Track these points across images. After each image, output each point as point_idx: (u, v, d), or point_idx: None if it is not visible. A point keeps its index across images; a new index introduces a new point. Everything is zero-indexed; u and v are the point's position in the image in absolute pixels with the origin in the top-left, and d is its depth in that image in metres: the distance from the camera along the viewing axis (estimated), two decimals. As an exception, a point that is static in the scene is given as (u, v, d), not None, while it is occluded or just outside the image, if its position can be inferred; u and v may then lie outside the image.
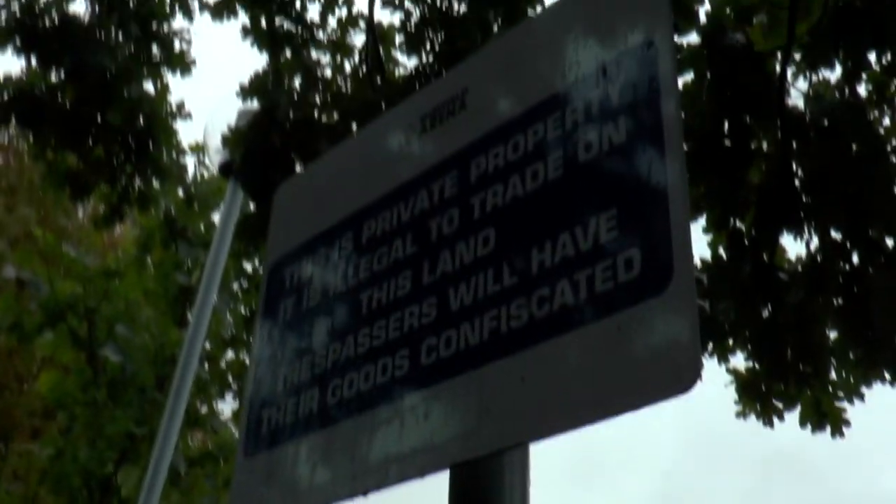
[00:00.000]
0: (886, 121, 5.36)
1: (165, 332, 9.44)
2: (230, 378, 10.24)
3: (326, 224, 2.44)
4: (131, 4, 7.18)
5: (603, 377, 1.60)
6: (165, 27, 7.19)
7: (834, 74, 4.94)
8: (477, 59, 2.29)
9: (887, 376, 4.91)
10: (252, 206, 7.22)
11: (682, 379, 1.49)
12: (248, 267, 10.56)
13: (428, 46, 6.57)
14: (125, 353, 9.21)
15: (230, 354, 10.36)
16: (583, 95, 1.90)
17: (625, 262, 1.67)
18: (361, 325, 2.16)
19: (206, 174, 9.46)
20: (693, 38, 5.00)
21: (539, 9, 8.02)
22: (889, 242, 5.21)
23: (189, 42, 7.26)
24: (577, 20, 2.01)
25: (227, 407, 10.44)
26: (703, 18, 4.91)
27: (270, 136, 6.45)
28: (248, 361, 10.86)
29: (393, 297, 2.12)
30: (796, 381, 5.52)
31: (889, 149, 4.81)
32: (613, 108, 1.83)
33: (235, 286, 10.24)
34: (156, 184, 7.59)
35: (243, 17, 6.70)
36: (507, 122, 2.05)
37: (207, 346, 9.74)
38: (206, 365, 9.59)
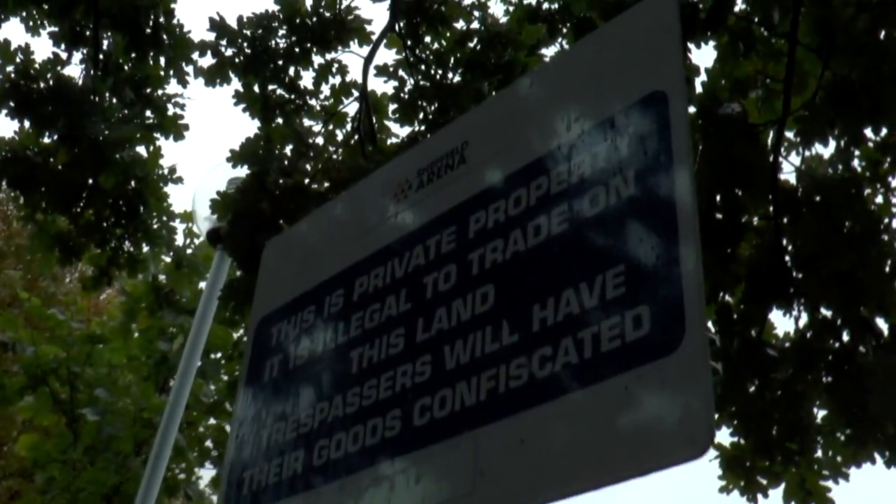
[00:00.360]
0: (879, 198, 5.35)
1: (146, 397, 9.29)
2: (210, 444, 10.04)
3: (316, 281, 2.37)
4: (126, 68, 7.18)
5: (610, 439, 1.52)
6: (159, 91, 7.18)
7: (828, 150, 4.93)
8: (478, 112, 2.25)
9: (878, 458, 4.81)
10: (238, 273, 7.14)
11: (694, 442, 1.41)
12: (233, 335, 10.43)
13: (421, 116, 6.57)
14: (104, 416, 9.05)
15: (210, 420, 10.19)
16: (589, 148, 1.85)
17: (633, 320, 1.59)
18: (351, 384, 2.07)
19: (195, 241, 9.40)
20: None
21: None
22: (879, 321, 5.16)
23: (183, 107, 7.25)
24: (583, 71, 1.97)
25: (206, 473, 10.23)
26: (698, 88, 4.91)
27: (260, 201, 6.38)
28: (228, 428, 10.67)
29: (385, 355, 2.04)
30: (782, 458, 5.43)
31: (882, 227, 4.78)
32: (622, 162, 1.77)
33: (219, 353, 10.11)
34: (145, 248, 7.51)
35: (236, 83, 6.71)
36: (510, 175, 1.99)
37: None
38: (185, 430, 9.40)
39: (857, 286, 4.64)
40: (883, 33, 4.92)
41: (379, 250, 2.22)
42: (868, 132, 4.68)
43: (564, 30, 9.24)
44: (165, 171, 7.39)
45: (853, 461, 4.71)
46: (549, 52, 9.08)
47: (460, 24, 7.44)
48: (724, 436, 5.84)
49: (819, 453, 5.42)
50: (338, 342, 2.18)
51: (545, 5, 9.51)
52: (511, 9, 9.40)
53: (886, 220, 5.29)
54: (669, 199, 1.64)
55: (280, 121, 6.71)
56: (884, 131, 4.62)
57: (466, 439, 1.74)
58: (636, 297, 1.61)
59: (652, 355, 1.53)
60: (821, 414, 5.46)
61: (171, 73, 7.10)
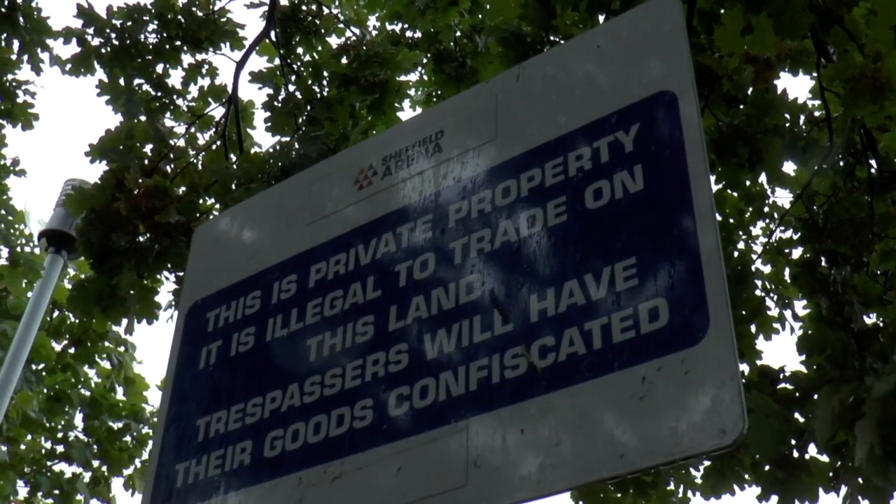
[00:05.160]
0: (741, 244, 5.59)
1: (-37, 405, 8.62)
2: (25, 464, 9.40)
3: (261, 266, 2.24)
4: (-26, 50, 6.74)
5: (629, 428, 1.48)
6: (9, 77, 6.76)
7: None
8: (455, 102, 2.19)
9: (736, 489, 4.99)
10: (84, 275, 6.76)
11: (726, 433, 1.39)
12: (56, 346, 9.86)
13: (293, 125, 6.43)
14: None
15: (28, 437, 9.56)
16: (588, 142, 1.82)
17: (649, 312, 1.57)
18: (310, 373, 1.96)
19: (32, 243, 8.82)
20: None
21: (406, 105, 8.05)
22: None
23: (34, 95, 6.85)
24: (577, 68, 1.95)
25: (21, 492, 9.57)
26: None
27: (117, 200, 6.09)
28: (48, 446, 10.06)
29: (351, 343, 1.94)
30: (635, 490, 5.57)
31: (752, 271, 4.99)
32: (629, 157, 1.75)
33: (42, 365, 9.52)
34: (-24, 241, 7.05)
35: (100, 74, 6.39)
36: (496, 166, 1.94)
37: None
38: (6, 447, 8.77)
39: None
40: (750, 90, 5.18)
41: (339, 237, 2.12)
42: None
43: (425, 59, 9.32)
44: (8, 162, 6.96)
45: (713, 493, 4.85)
46: (410, 78, 9.10)
47: (334, 39, 7.38)
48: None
49: (671, 486, 5.57)
50: (291, 329, 2.07)
51: (409, 33, 9.57)
52: (375, 33, 9.42)
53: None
54: (686, 198, 1.63)
55: (143, 118, 6.43)
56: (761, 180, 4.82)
57: (456, 429, 1.67)
58: (651, 289, 1.59)
59: (673, 347, 1.51)
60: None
61: (26, 58, 6.70)
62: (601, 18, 4.77)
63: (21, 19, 6.63)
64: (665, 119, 1.74)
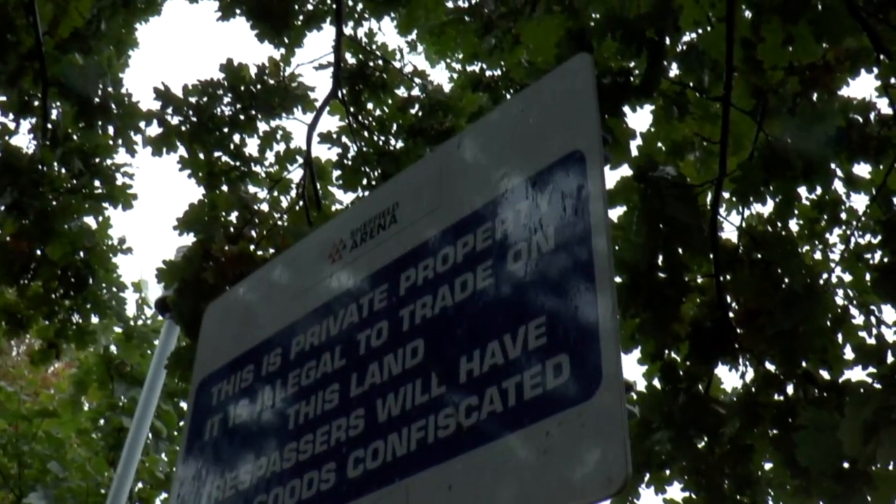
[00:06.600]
0: (818, 254, 5.49)
1: (99, 472, 9.13)
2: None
3: (255, 342, 2.41)
4: (75, 138, 7.18)
5: (532, 481, 1.57)
6: (108, 161, 7.18)
7: (766, 208, 5.06)
8: (408, 173, 2.32)
9: (823, 506, 4.89)
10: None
11: (612, 482, 1.47)
12: (183, 405, 10.35)
13: (364, 181, 6.65)
14: (50, 497, 8.84)
15: (163, 495, 10.03)
16: (513, 206, 1.93)
17: (554, 368, 1.66)
18: (288, 440, 2.11)
19: (148, 310, 9.34)
20: (625, 170, 5.11)
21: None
22: (823, 373, 5.26)
23: (132, 176, 7.26)
24: (507, 133, 2.06)
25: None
26: (634, 152, 5.02)
27: (205, 269, 6.38)
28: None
29: (320, 410, 2.08)
30: (738, 512, 5.48)
31: (821, 282, 4.90)
32: (543, 218, 1.85)
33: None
34: (94, 319, 7.46)
35: (182, 150, 6.75)
36: (438, 234, 2.06)
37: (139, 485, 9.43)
38: (139, 505, 9.25)
39: (800, 342, 4.74)
40: (815, 95, 5.13)
41: (315, 309, 2.27)
42: (803, 191, 4.82)
43: (508, 96, 9.43)
44: (115, 242, 7.38)
45: (801, 508, 4.76)
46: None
47: (401, 91, 7.59)
48: (675, 491, 5.88)
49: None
50: (275, 400, 2.22)
51: (488, 72, 9.73)
52: (455, 76, 9.60)
53: (826, 276, 5.43)
54: (587, 254, 1.72)
55: (225, 188, 6.76)
56: (818, 190, 4.76)
57: (398, 488, 1.79)
58: (557, 346, 1.68)
59: (571, 401, 1.60)
60: (768, 466, 5.54)
61: (120, 142, 7.12)
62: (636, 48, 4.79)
63: (113, 106, 7.06)
64: (573, 178, 1.83)
